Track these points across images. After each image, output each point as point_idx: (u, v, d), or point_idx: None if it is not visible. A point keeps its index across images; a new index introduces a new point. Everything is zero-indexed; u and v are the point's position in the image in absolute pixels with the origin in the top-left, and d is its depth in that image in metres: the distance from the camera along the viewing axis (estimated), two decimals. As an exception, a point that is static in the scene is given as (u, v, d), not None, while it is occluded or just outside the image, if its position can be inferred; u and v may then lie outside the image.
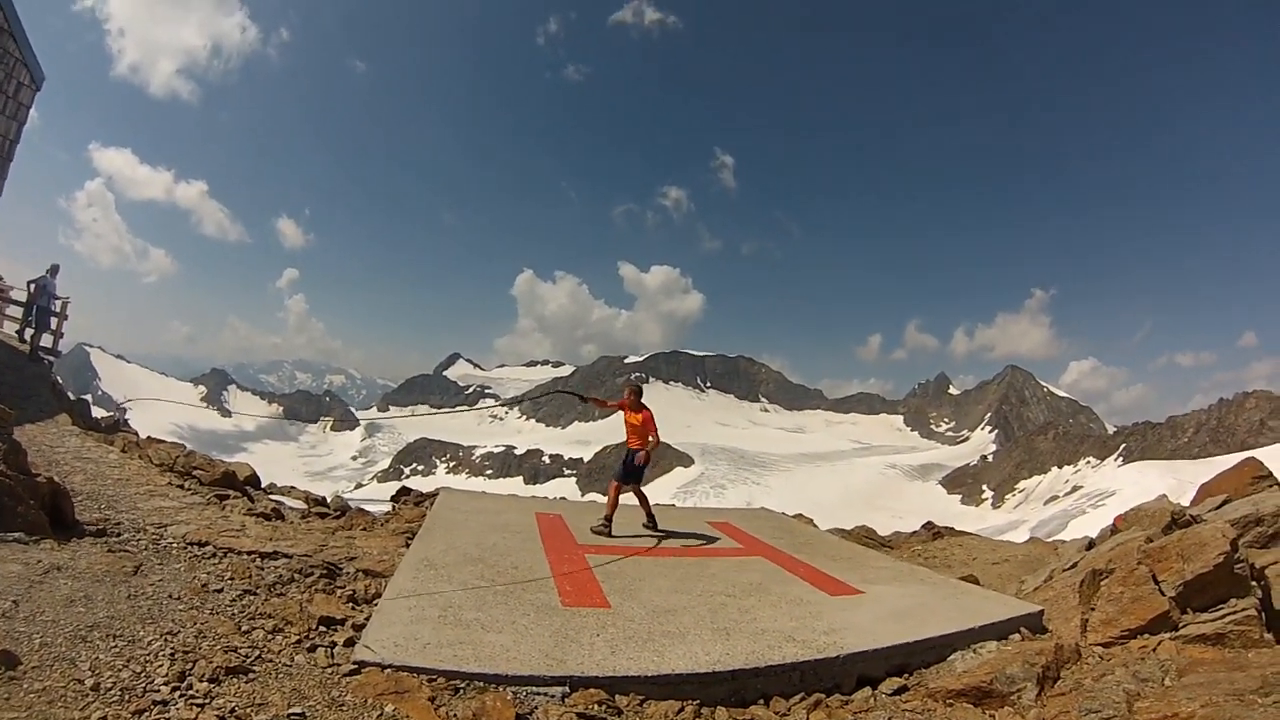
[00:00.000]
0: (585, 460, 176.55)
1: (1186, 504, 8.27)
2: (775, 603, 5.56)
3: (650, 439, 7.78)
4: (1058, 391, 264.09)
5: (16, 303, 15.23)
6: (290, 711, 3.16)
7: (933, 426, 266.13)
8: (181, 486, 7.08)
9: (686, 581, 5.99)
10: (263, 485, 9.56)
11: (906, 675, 4.64)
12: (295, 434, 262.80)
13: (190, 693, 3.11)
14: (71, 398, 13.68)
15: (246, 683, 3.34)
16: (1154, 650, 4.57)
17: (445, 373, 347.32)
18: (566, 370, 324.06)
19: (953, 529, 12.73)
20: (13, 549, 4.25)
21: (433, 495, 9.40)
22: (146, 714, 2.91)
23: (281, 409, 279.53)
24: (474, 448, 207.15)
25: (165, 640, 3.53)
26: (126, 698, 2.98)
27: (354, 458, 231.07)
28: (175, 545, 5.09)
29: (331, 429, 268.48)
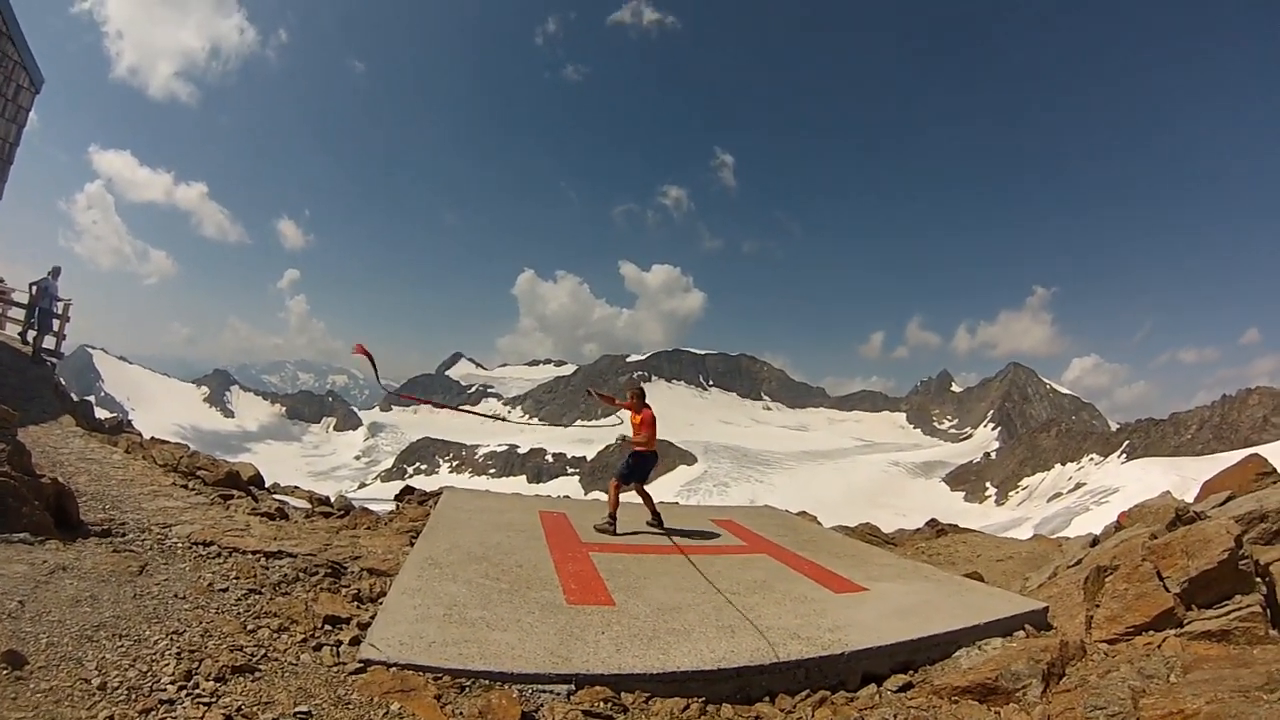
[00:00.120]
0: (588, 459, 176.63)
1: (1190, 501, 8.25)
2: (780, 600, 5.56)
3: (640, 435, 7.90)
4: (1060, 388, 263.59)
5: (18, 305, 15.24)
6: (297, 710, 3.16)
7: (935, 424, 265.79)
8: (185, 487, 7.10)
9: (691, 579, 5.99)
10: (266, 485, 9.59)
11: (911, 672, 4.64)
12: (298, 434, 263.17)
13: (197, 692, 3.12)
14: (75, 399, 13.71)
15: (253, 682, 3.34)
16: (1159, 647, 4.57)
17: (448, 372, 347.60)
18: (569, 369, 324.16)
19: (956, 526, 12.70)
20: (18, 549, 4.26)
21: (436, 494, 9.41)
22: (153, 713, 2.91)
23: (284, 409, 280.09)
24: (477, 447, 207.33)
25: (171, 639, 3.54)
26: (133, 697, 2.98)
27: (357, 457, 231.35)
28: (180, 545, 5.11)
29: (334, 429, 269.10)
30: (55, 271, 14.93)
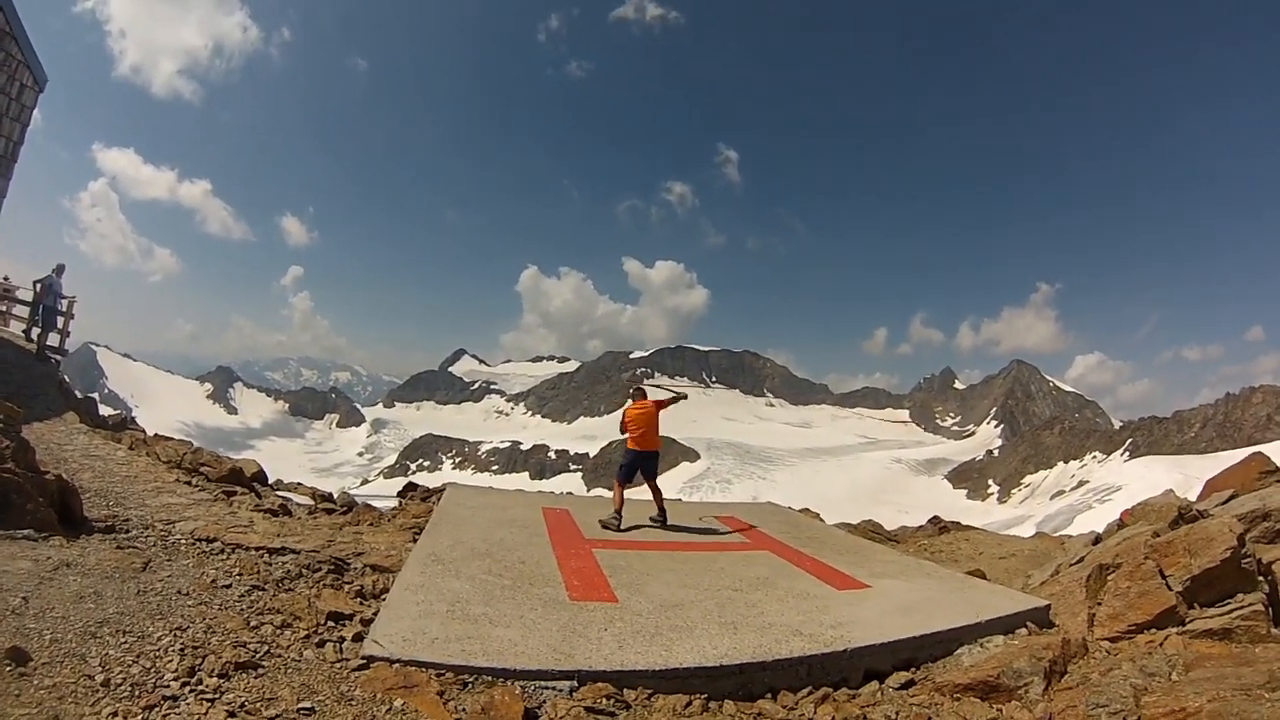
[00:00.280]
0: (591, 455, 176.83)
1: (1193, 499, 8.22)
2: (782, 597, 5.57)
3: (626, 432, 8.13)
4: (1063, 386, 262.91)
5: (23, 302, 15.33)
6: (300, 706, 3.17)
7: (938, 421, 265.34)
8: (189, 483, 7.12)
9: (693, 576, 6.00)
10: (269, 481, 9.62)
11: (913, 669, 4.63)
12: (301, 430, 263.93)
13: (200, 688, 3.13)
14: (79, 396, 13.76)
15: (256, 678, 3.36)
16: (1161, 645, 4.56)
17: (451, 368, 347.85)
18: (572, 365, 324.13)
19: (959, 523, 12.68)
20: (22, 546, 4.28)
21: (439, 491, 9.43)
22: (157, 709, 2.93)
23: (287, 406, 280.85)
24: (480, 443, 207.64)
25: (175, 636, 3.55)
26: (137, 693, 3.00)
27: (360, 454, 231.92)
28: (183, 541, 5.13)
29: (337, 425, 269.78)
30: (59, 269, 14.98)
